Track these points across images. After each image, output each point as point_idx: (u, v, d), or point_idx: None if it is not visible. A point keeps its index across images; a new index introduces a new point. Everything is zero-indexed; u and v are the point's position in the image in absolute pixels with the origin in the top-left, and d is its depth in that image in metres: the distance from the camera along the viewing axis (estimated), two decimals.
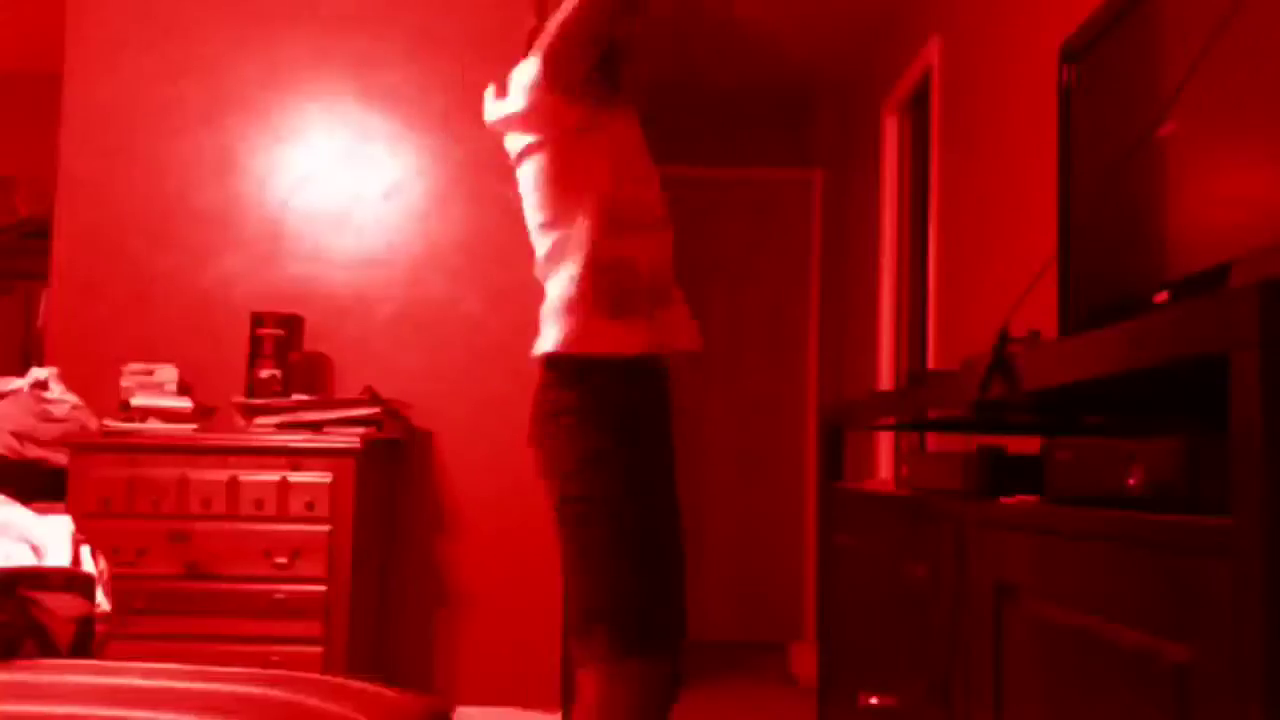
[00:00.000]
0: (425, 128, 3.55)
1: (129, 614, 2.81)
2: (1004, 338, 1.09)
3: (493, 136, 3.54)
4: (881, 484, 2.05)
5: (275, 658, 2.84)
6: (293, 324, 3.26)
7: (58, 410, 3.13)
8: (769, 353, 5.19)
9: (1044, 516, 0.99)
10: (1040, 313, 2.28)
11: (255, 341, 3.20)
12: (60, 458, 3.05)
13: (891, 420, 1.86)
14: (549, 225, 1.83)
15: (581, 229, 1.78)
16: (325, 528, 2.92)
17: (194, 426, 3.06)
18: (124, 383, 3.15)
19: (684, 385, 5.18)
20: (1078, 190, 1.52)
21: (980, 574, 1.16)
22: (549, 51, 1.73)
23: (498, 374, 3.48)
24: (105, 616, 1.71)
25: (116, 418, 3.10)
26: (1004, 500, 1.12)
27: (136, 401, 3.08)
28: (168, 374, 3.18)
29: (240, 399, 3.13)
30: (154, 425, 3.03)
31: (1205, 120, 1.18)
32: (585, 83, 1.76)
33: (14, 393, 3.13)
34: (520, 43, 1.93)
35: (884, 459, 4.03)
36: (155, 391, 3.05)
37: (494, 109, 1.89)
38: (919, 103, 3.90)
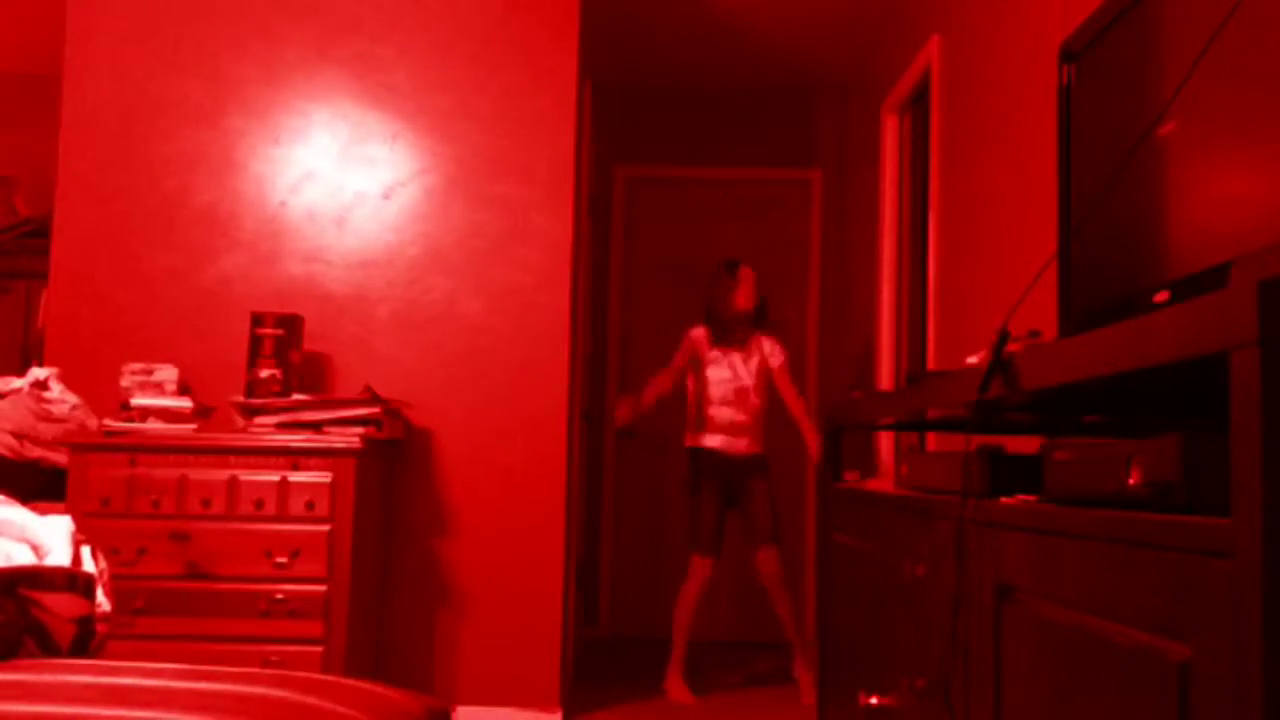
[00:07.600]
0: (425, 128, 3.55)
1: (129, 614, 2.81)
2: (1004, 338, 1.09)
3: (492, 136, 3.53)
4: (881, 484, 2.05)
5: (275, 658, 2.84)
6: (292, 324, 3.26)
7: (58, 410, 3.13)
8: None
9: (1044, 516, 0.99)
10: (1040, 313, 2.28)
11: (255, 341, 3.20)
12: (60, 458, 3.04)
13: (891, 420, 1.86)
14: None
15: None
16: (325, 527, 2.92)
17: (194, 426, 3.06)
18: (124, 383, 3.15)
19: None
20: (1077, 190, 1.52)
21: (980, 574, 1.16)
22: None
23: (497, 373, 3.48)
24: (105, 616, 1.70)
25: (116, 418, 3.10)
26: (1004, 500, 1.12)
27: (136, 401, 3.08)
28: (168, 374, 3.18)
29: (240, 399, 3.13)
30: (154, 425, 3.03)
31: (1205, 120, 1.18)
32: None
33: (14, 393, 3.13)
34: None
35: (884, 459, 4.02)
36: (155, 391, 3.05)
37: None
38: (919, 102, 3.90)
